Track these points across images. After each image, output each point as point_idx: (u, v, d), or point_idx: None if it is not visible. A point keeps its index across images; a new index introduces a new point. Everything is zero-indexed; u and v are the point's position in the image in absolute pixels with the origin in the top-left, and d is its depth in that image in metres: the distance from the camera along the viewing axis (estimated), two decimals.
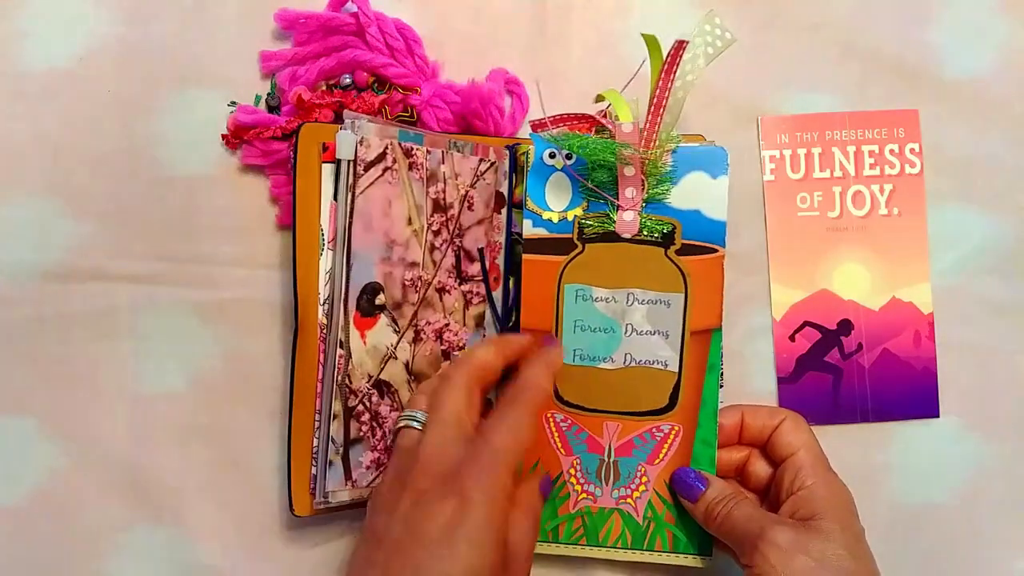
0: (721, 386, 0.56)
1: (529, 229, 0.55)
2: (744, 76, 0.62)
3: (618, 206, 0.54)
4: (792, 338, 0.60)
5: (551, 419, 0.55)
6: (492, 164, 0.57)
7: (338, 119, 0.56)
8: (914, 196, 0.61)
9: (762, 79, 0.62)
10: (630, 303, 0.54)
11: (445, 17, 0.61)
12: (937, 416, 0.60)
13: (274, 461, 0.57)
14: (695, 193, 0.54)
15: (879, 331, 0.60)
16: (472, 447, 0.46)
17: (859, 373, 0.60)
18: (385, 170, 0.53)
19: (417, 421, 0.49)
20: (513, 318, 0.58)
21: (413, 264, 0.55)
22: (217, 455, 0.57)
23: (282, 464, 0.56)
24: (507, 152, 0.57)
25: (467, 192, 0.56)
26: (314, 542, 0.57)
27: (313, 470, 0.53)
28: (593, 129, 0.55)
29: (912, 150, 0.61)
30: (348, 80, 0.58)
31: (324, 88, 0.58)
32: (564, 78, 0.61)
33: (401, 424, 0.49)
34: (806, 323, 0.60)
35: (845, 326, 0.60)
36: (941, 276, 0.61)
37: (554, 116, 0.54)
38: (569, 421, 0.55)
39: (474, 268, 0.57)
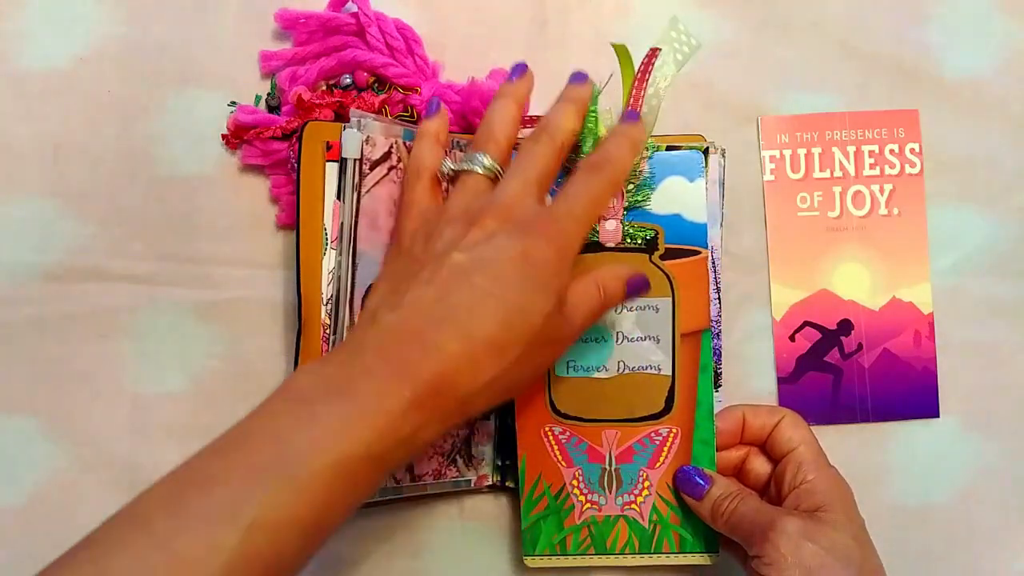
0: (719, 386, 0.56)
1: None
2: (744, 76, 0.62)
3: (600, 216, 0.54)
4: (792, 338, 0.60)
5: (550, 433, 0.55)
6: None
7: (338, 119, 0.56)
8: (914, 196, 0.61)
9: (762, 79, 0.62)
10: (619, 311, 0.55)
11: (445, 17, 0.61)
12: (937, 416, 0.60)
13: None
14: (674, 197, 0.54)
15: (879, 331, 0.60)
16: (549, 207, 0.47)
17: (859, 373, 0.60)
18: (390, 169, 0.53)
19: (486, 168, 0.49)
20: None
21: None
22: None
23: None
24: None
25: None
26: None
27: None
28: None
29: (912, 150, 0.61)
30: (348, 80, 0.58)
31: (324, 88, 0.58)
32: (564, 78, 0.60)
33: (464, 167, 0.49)
34: (806, 323, 0.60)
35: (845, 326, 0.60)
36: (941, 276, 0.61)
37: (528, 117, 0.55)
38: (568, 433, 0.55)
39: None
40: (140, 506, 0.40)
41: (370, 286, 0.52)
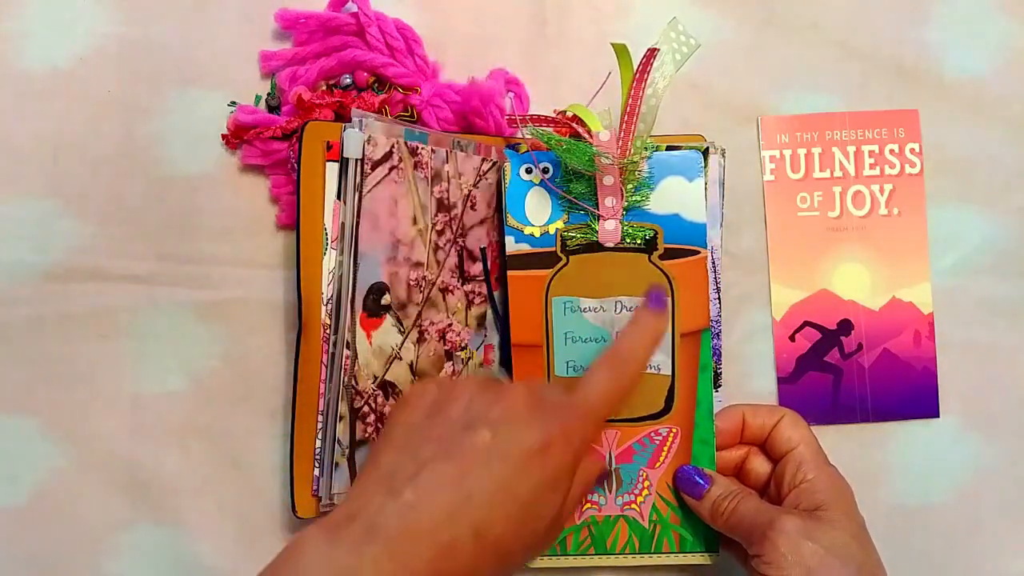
0: (719, 386, 0.56)
1: (512, 245, 0.55)
2: (744, 76, 0.62)
3: (599, 216, 0.54)
4: (792, 338, 0.60)
5: None
6: (494, 164, 0.57)
7: (338, 119, 0.56)
8: (914, 196, 0.61)
9: (762, 79, 0.62)
10: (619, 311, 0.55)
11: (445, 17, 0.61)
12: (937, 416, 0.60)
13: (274, 461, 0.57)
14: (673, 197, 0.54)
15: (879, 331, 0.60)
16: (570, 396, 0.47)
17: (859, 373, 0.60)
18: (391, 169, 0.53)
19: None
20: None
21: (418, 264, 0.55)
22: (217, 455, 0.57)
23: (282, 464, 0.56)
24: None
25: (470, 192, 0.56)
26: None
27: (316, 471, 0.53)
28: (568, 136, 0.55)
29: (912, 150, 0.61)
30: (348, 80, 0.58)
31: (324, 88, 0.58)
32: (564, 78, 0.61)
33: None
34: (806, 323, 0.60)
35: (845, 326, 0.60)
36: (941, 276, 0.61)
37: (533, 115, 0.55)
38: None
39: (476, 268, 0.57)
40: None
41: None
